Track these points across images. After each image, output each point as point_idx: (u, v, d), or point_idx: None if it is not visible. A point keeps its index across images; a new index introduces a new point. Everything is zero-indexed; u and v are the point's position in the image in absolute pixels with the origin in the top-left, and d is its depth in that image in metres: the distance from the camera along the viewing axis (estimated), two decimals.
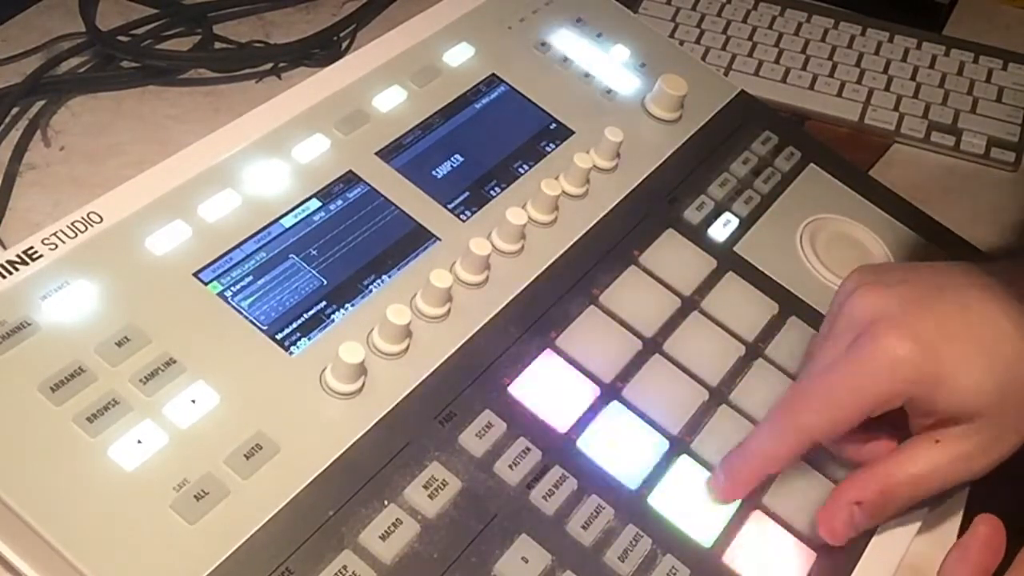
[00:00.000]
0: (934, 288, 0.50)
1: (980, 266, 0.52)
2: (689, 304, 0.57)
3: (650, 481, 0.50)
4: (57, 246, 0.48)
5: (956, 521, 0.55)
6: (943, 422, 0.48)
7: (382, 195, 0.55)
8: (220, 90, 0.76)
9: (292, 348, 0.48)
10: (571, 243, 0.57)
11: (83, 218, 0.49)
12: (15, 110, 0.71)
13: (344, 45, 0.81)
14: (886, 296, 0.49)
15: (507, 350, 0.52)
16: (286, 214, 0.53)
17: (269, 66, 0.78)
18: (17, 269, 0.46)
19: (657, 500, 0.49)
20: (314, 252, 0.52)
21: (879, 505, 0.49)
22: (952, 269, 0.52)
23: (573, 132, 0.62)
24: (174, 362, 0.46)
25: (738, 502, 0.50)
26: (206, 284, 0.49)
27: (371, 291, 0.52)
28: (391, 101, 0.59)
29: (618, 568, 0.47)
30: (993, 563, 0.45)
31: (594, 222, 0.58)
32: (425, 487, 0.46)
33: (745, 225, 0.62)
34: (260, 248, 0.51)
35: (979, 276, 0.51)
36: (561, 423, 0.50)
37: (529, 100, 0.63)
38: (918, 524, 0.53)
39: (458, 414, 0.49)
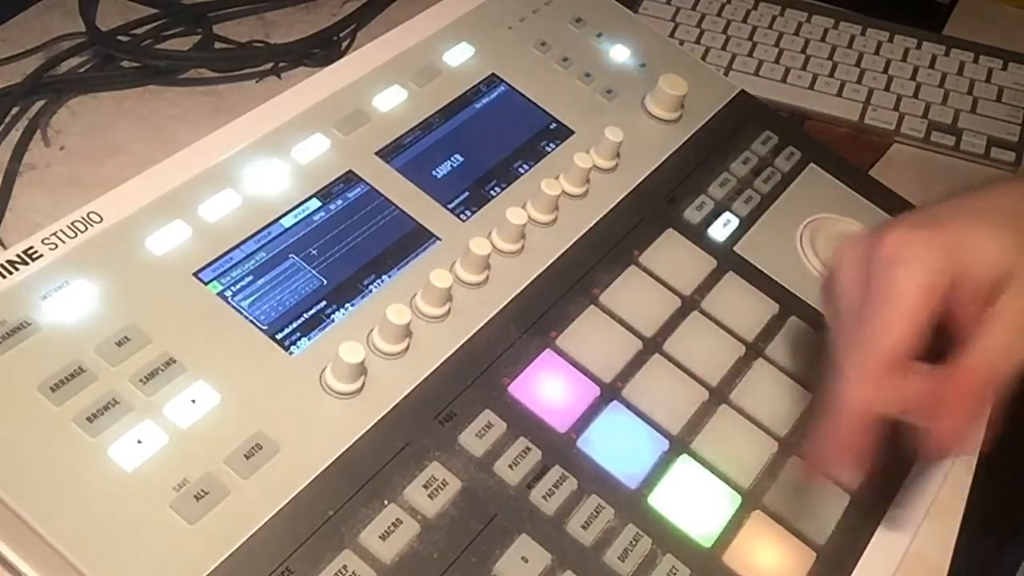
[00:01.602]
0: (917, 213, 0.50)
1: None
2: (689, 304, 0.57)
3: (650, 481, 0.50)
4: (57, 246, 0.48)
5: (956, 521, 0.55)
6: (984, 302, 0.46)
7: (382, 195, 0.55)
8: (220, 90, 0.76)
9: (292, 348, 0.48)
10: (571, 243, 0.57)
11: (83, 218, 0.49)
12: (15, 110, 0.71)
13: (344, 45, 0.81)
14: (868, 234, 0.48)
15: (507, 350, 0.52)
16: (286, 214, 0.53)
17: (269, 66, 0.78)
18: (17, 269, 0.46)
19: (657, 500, 0.49)
20: (314, 252, 0.52)
21: (969, 408, 0.45)
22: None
23: (573, 132, 0.62)
24: (174, 362, 0.46)
25: (739, 501, 0.50)
26: (206, 284, 0.49)
27: (371, 291, 0.52)
28: (391, 101, 0.59)
29: (618, 568, 0.47)
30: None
31: (594, 222, 0.58)
32: (425, 487, 0.46)
33: (745, 225, 0.62)
34: (260, 248, 0.51)
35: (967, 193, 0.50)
36: (561, 423, 0.50)
37: (529, 100, 0.63)
38: (918, 524, 0.53)
39: (458, 414, 0.49)
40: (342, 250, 0.53)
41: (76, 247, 0.48)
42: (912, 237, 0.46)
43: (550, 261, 0.56)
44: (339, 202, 0.54)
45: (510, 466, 0.48)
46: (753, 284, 0.59)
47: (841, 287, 0.49)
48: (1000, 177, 0.51)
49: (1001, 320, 0.46)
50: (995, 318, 0.46)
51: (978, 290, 0.46)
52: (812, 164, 0.67)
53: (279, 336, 0.49)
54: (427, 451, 0.47)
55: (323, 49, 0.80)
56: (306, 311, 0.50)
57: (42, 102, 0.72)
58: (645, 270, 0.58)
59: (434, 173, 0.57)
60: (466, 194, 0.57)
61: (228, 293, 0.49)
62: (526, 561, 0.45)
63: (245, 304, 0.49)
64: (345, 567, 0.43)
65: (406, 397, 0.49)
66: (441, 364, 0.50)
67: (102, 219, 0.49)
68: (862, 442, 0.46)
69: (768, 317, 0.58)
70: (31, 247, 0.47)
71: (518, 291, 0.54)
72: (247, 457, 0.44)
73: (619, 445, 0.51)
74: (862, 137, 0.81)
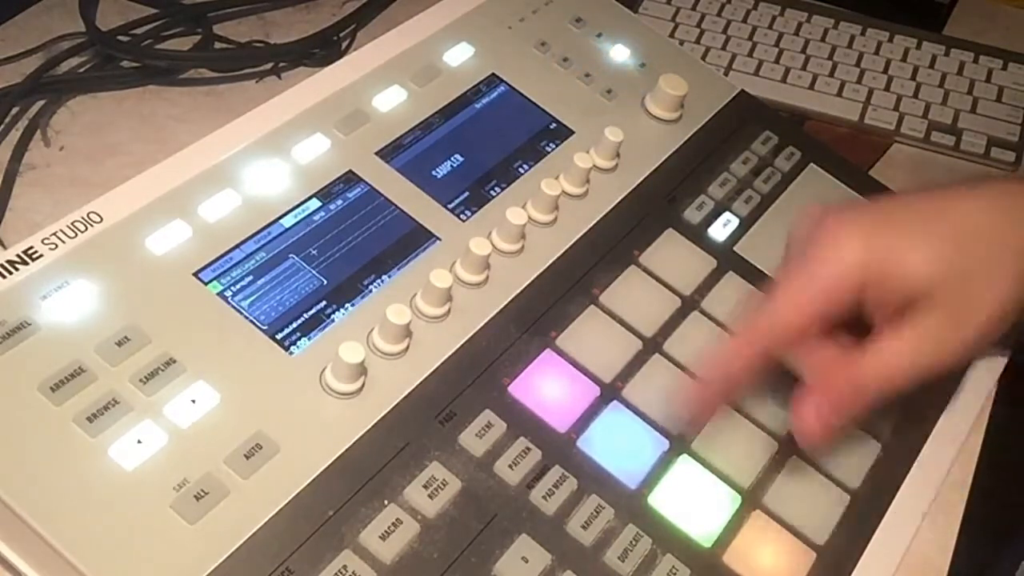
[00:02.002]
0: (882, 201, 0.52)
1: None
2: (689, 304, 0.57)
3: (650, 481, 0.50)
4: (57, 246, 0.48)
5: (956, 521, 0.55)
6: (902, 308, 0.47)
7: (382, 195, 0.55)
8: (220, 90, 0.76)
9: (292, 348, 0.48)
10: (571, 243, 0.57)
11: (83, 218, 0.49)
12: (15, 110, 0.71)
13: (344, 45, 0.81)
14: (832, 208, 0.50)
15: (507, 350, 0.52)
16: (286, 214, 0.53)
17: (269, 66, 0.78)
18: (17, 269, 0.46)
19: (657, 500, 0.49)
20: (314, 252, 0.52)
21: (849, 401, 0.48)
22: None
23: (573, 132, 0.62)
24: (174, 362, 0.46)
25: (739, 501, 0.50)
26: (206, 284, 0.49)
27: (371, 291, 0.52)
28: (391, 101, 0.59)
29: (618, 568, 0.47)
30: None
31: (594, 222, 0.58)
32: (425, 487, 0.46)
33: (745, 225, 0.62)
34: (260, 248, 0.51)
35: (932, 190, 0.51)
36: (561, 423, 0.50)
37: (529, 100, 0.63)
38: (918, 524, 0.53)
39: (458, 414, 0.49)
40: (342, 250, 0.53)
41: (76, 247, 0.48)
42: (854, 225, 0.48)
43: (550, 261, 0.56)
44: (339, 202, 0.54)
45: (510, 466, 0.48)
46: (753, 284, 0.59)
47: (788, 243, 0.52)
48: (987, 178, 0.52)
49: (904, 335, 0.47)
50: (899, 331, 0.47)
51: (894, 296, 0.47)
52: (812, 164, 0.67)
53: (279, 336, 0.49)
54: (427, 451, 0.47)
55: (323, 49, 0.80)
56: (306, 311, 0.50)
57: (42, 102, 0.72)
58: (645, 270, 0.58)
59: (434, 173, 0.57)
60: (466, 194, 0.57)
61: (228, 293, 0.49)
62: (526, 561, 0.45)
63: (245, 304, 0.49)
64: (345, 567, 0.43)
65: (406, 397, 0.49)
66: (441, 364, 0.50)
67: (102, 219, 0.49)
68: (744, 369, 0.49)
69: None
70: (31, 247, 0.47)
71: (518, 291, 0.54)
72: (247, 457, 0.44)
73: (619, 445, 0.51)
74: (862, 137, 0.81)
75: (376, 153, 0.57)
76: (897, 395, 0.48)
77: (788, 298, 0.48)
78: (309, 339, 0.49)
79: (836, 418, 0.48)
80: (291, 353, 0.48)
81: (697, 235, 0.60)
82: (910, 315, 0.47)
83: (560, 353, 0.53)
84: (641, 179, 0.61)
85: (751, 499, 0.51)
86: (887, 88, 0.84)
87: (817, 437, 0.48)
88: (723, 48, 0.87)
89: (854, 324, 0.49)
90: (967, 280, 0.47)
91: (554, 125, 0.62)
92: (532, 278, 0.55)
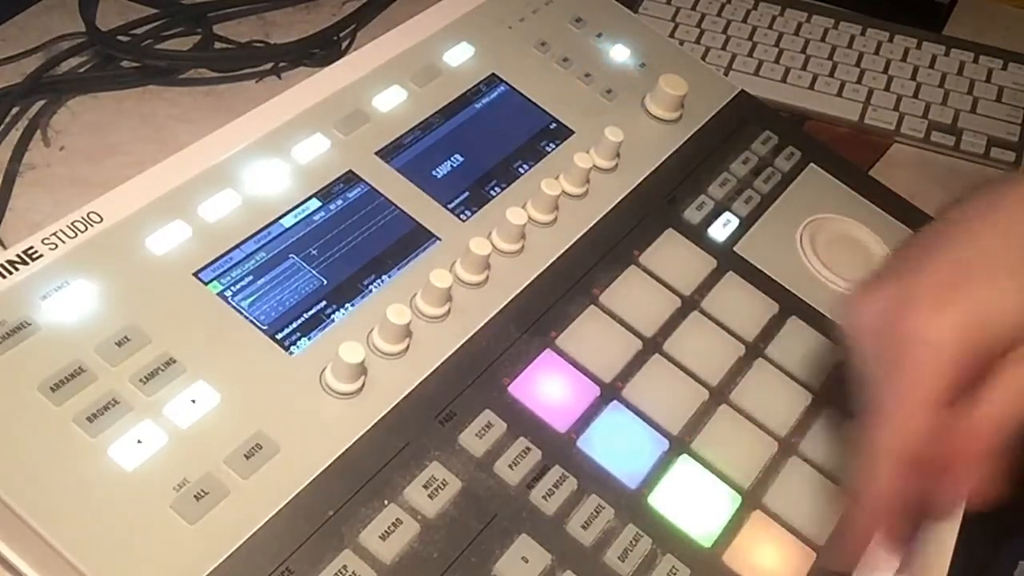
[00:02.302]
0: (920, 247, 0.48)
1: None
2: (689, 304, 0.57)
3: (650, 481, 0.50)
4: (57, 246, 0.48)
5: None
6: (1006, 351, 0.44)
7: (382, 195, 0.55)
8: (220, 90, 0.76)
9: (292, 348, 0.48)
10: (571, 243, 0.57)
11: (83, 218, 0.49)
12: (15, 110, 0.71)
13: (344, 45, 0.81)
14: (878, 287, 0.47)
15: (507, 350, 0.52)
16: (286, 214, 0.53)
17: (269, 66, 0.78)
18: (17, 269, 0.46)
19: (657, 500, 0.49)
20: (314, 252, 0.52)
21: (983, 450, 0.44)
22: (932, 225, 0.49)
23: (573, 132, 0.62)
24: (174, 362, 0.46)
25: (739, 501, 0.50)
26: (206, 284, 0.49)
27: (371, 291, 0.52)
28: (391, 101, 0.59)
29: (618, 568, 0.47)
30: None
31: (594, 222, 0.58)
32: (425, 487, 0.46)
33: (745, 225, 0.62)
34: (260, 248, 0.51)
35: (956, 211, 0.48)
36: (561, 423, 0.50)
37: (529, 100, 0.63)
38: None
39: (458, 414, 0.49)
40: (342, 250, 0.53)
41: (76, 247, 0.48)
42: (936, 311, 0.44)
43: (550, 261, 0.56)
44: (339, 202, 0.54)
45: (510, 466, 0.48)
46: (753, 284, 0.59)
47: (861, 360, 0.47)
48: (1002, 182, 0.50)
49: (1007, 372, 0.45)
50: (1002, 370, 0.45)
51: (1002, 347, 0.45)
52: (812, 164, 0.67)
53: (279, 336, 0.49)
54: (427, 451, 0.47)
55: (323, 49, 0.80)
56: (306, 311, 0.50)
57: (42, 102, 0.72)
58: (645, 270, 0.58)
59: (434, 173, 0.57)
60: (466, 194, 0.57)
61: (228, 293, 0.49)
62: (526, 561, 0.45)
63: (245, 304, 0.49)
64: (345, 567, 0.43)
65: (406, 397, 0.49)
66: (441, 364, 0.50)
67: (102, 219, 0.49)
68: (896, 495, 0.45)
69: (768, 317, 0.58)
70: (31, 247, 0.47)
71: (518, 291, 0.54)
72: (247, 457, 0.44)
73: (619, 445, 0.51)
74: (862, 137, 0.81)
75: (376, 153, 0.57)
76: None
77: (901, 409, 0.44)
78: (309, 339, 0.49)
79: (984, 470, 0.45)
80: (291, 353, 0.48)
81: (697, 235, 0.60)
82: (1008, 356, 0.45)
83: (560, 353, 0.53)
84: (641, 179, 0.61)
85: (751, 499, 0.51)
86: (887, 88, 0.84)
87: (956, 508, 0.46)
88: (723, 48, 0.87)
89: None
90: None
91: (554, 125, 0.62)
92: (532, 278, 0.55)
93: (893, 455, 0.45)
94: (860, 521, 0.47)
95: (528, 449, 0.49)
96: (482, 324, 0.52)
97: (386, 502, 0.45)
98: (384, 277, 0.52)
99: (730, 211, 0.62)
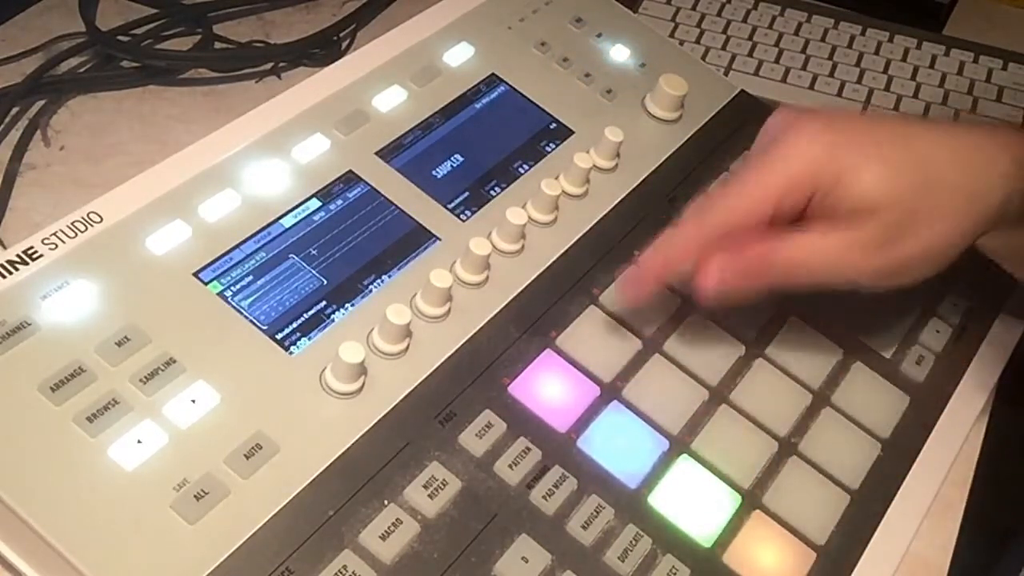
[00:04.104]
0: (855, 116, 0.52)
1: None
2: (689, 304, 0.57)
3: (650, 481, 0.50)
4: (57, 246, 0.48)
5: (956, 521, 0.55)
6: (842, 219, 0.48)
7: (382, 195, 0.55)
8: (220, 90, 0.76)
9: (292, 348, 0.48)
10: (571, 243, 0.57)
11: (83, 218, 0.49)
12: (15, 110, 0.71)
13: (344, 45, 0.81)
14: (806, 112, 0.50)
15: (507, 350, 0.52)
16: (286, 214, 0.53)
17: (269, 66, 0.78)
18: (17, 269, 0.46)
19: (657, 500, 0.49)
20: (314, 252, 0.52)
21: (753, 270, 0.49)
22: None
23: (573, 132, 0.62)
24: (174, 362, 0.46)
25: (739, 501, 0.50)
26: (206, 284, 0.49)
27: (371, 291, 0.52)
28: (391, 101, 0.59)
29: (618, 568, 0.47)
30: None
31: (594, 222, 0.58)
32: (425, 487, 0.46)
33: None
34: (260, 248, 0.51)
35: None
36: (561, 423, 0.50)
37: (529, 100, 0.63)
38: (918, 524, 0.53)
39: (458, 414, 0.49)
40: (342, 250, 0.53)
41: (76, 247, 0.48)
42: (822, 131, 0.48)
43: (550, 261, 0.56)
44: (339, 202, 0.54)
45: (510, 466, 0.48)
46: None
47: (758, 137, 0.53)
48: (963, 123, 0.53)
49: (830, 234, 0.48)
50: (828, 231, 0.48)
51: (839, 206, 0.48)
52: None
53: (279, 336, 0.49)
54: (427, 451, 0.47)
55: (323, 49, 0.80)
56: (306, 311, 0.50)
57: (42, 102, 0.72)
58: None
59: (434, 173, 0.57)
60: (466, 194, 0.57)
61: (228, 293, 0.49)
62: (526, 561, 0.45)
63: (245, 304, 0.49)
64: (345, 567, 0.43)
65: (406, 397, 0.49)
66: (441, 364, 0.50)
67: (102, 219, 0.49)
68: (689, 252, 0.50)
69: (768, 317, 0.58)
70: (31, 247, 0.47)
71: (518, 291, 0.54)
72: (247, 457, 0.44)
73: (619, 445, 0.51)
74: None
75: (376, 153, 0.57)
76: (795, 288, 0.49)
77: (745, 187, 0.49)
78: (309, 339, 0.49)
79: (735, 281, 0.49)
80: (291, 353, 0.48)
81: None
82: (844, 222, 0.48)
83: (560, 353, 0.53)
84: (641, 179, 0.61)
85: (751, 499, 0.51)
86: (887, 88, 0.84)
87: (710, 293, 0.49)
88: (723, 48, 0.87)
89: None
90: (913, 209, 0.48)
91: (554, 125, 0.62)
92: (532, 278, 0.55)
93: (708, 221, 0.49)
94: (646, 262, 0.51)
95: (528, 449, 0.49)
96: (482, 324, 0.52)
97: (386, 502, 0.45)
98: (384, 277, 0.52)
99: None
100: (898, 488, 0.53)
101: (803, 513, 0.51)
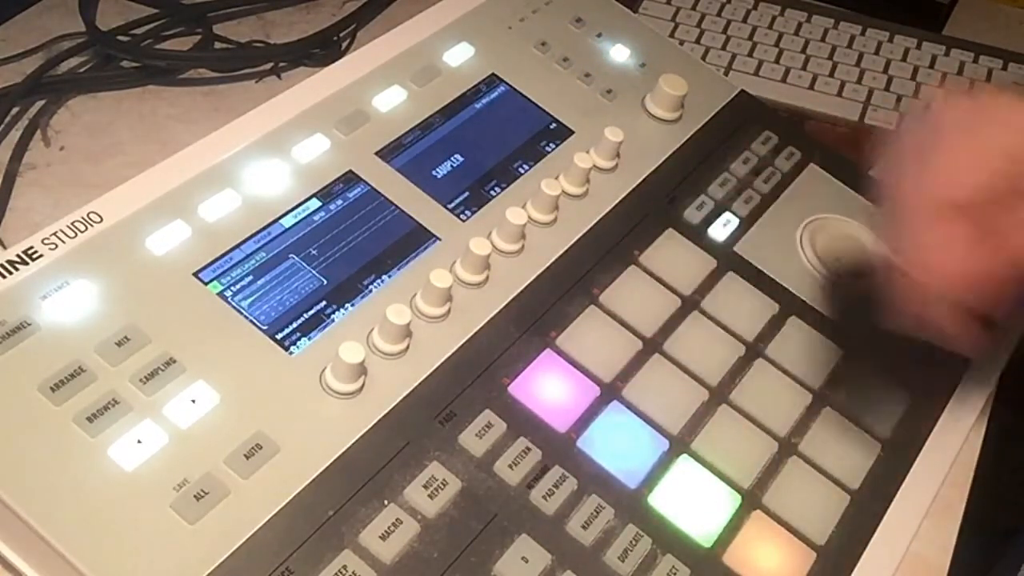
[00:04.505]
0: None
1: None
2: (689, 304, 0.57)
3: (650, 481, 0.50)
4: (57, 246, 0.48)
5: (956, 521, 0.55)
6: None
7: (382, 195, 0.55)
8: (220, 90, 0.76)
9: (292, 348, 0.48)
10: (571, 243, 0.57)
11: (83, 218, 0.49)
12: (15, 110, 0.71)
13: (344, 45, 0.81)
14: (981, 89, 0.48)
15: (507, 350, 0.52)
16: (286, 214, 0.53)
17: (269, 66, 0.78)
18: (17, 269, 0.46)
19: (657, 500, 0.49)
20: (314, 252, 0.52)
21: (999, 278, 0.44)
22: None
23: (573, 132, 0.62)
24: (174, 362, 0.46)
25: (739, 501, 0.50)
26: (206, 284, 0.49)
27: (371, 291, 0.52)
28: (391, 101, 0.59)
29: (618, 568, 0.47)
30: None
31: (594, 222, 0.58)
32: (425, 487, 0.46)
33: (745, 225, 0.62)
34: (260, 248, 0.51)
35: None
36: (561, 423, 0.50)
37: (529, 100, 0.63)
38: (918, 524, 0.53)
39: (458, 414, 0.49)
40: (342, 250, 0.53)
41: (76, 247, 0.48)
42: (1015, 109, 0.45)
43: (550, 261, 0.56)
44: (339, 202, 0.54)
45: (510, 466, 0.48)
46: (753, 284, 0.59)
47: (909, 129, 0.48)
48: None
49: None
50: None
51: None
52: (812, 164, 0.67)
53: (279, 336, 0.49)
54: (427, 451, 0.47)
55: (323, 49, 0.80)
56: (306, 311, 0.50)
57: (42, 102, 0.72)
58: (645, 270, 0.58)
59: (434, 173, 0.57)
60: (466, 194, 0.57)
61: (228, 293, 0.49)
62: (526, 561, 0.45)
63: (245, 304, 0.49)
64: (345, 567, 0.43)
65: (406, 397, 0.49)
66: (441, 364, 0.50)
67: (102, 219, 0.49)
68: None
69: (768, 317, 0.58)
70: (31, 247, 0.47)
71: (518, 291, 0.54)
72: (247, 457, 0.44)
73: (619, 445, 0.51)
74: (862, 137, 0.81)
75: (376, 153, 0.57)
76: None
77: (958, 164, 0.44)
78: (309, 339, 0.49)
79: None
80: (291, 353, 0.48)
81: (697, 235, 0.60)
82: None
83: (560, 353, 0.53)
84: (641, 179, 0.61)
85: (751, 499, 0.51)
86: (887, 88, 0.84)
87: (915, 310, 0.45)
88: (723, 48, 0.87)
89: None
90: None
91: (554, 125, 0.62)
92: (532, 278, 0.55)
93: (934, 202, 0.44)
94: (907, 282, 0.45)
95: (528, 449, 0.49)
96: (482, 324, 0.52)
97: (386, 502, 0.45)
98: (384, 277, 0.52)
99: (730, 211, 0.62)
100: (898, 488, 0.53)
101: (803, 513, 0.51)
